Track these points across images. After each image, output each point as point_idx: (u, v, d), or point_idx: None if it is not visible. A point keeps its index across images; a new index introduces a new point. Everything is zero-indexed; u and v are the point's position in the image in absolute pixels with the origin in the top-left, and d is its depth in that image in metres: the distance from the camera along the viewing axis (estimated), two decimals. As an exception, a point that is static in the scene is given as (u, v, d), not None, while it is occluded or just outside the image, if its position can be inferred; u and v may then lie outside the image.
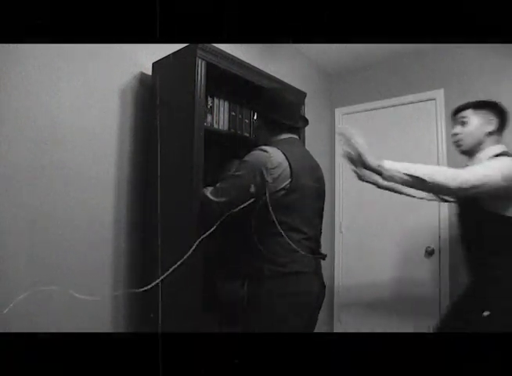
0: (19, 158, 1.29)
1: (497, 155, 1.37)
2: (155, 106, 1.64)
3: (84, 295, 1.45)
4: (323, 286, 1.43)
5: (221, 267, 1.56)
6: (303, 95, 1.45)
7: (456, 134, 1.49)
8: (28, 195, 1.31)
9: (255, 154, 1.30)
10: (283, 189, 1.27)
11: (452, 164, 2.51)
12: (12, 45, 1.27)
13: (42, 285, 1.33)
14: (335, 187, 3.01)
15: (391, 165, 1.22)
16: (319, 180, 1.46)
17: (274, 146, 1.32)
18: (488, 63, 2.41)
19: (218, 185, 1.35)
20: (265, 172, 1.25)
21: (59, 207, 1.39)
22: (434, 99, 2.62)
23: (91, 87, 1.51)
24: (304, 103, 1.48)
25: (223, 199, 1.30)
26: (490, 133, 1.43)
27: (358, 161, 1.19)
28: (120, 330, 1.57)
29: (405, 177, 1.21)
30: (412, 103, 2.73)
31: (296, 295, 1.27)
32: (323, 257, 1.42)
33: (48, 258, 1.35)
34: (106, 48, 1.55)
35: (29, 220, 1.31)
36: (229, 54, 1.55)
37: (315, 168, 1.45)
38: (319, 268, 1.40)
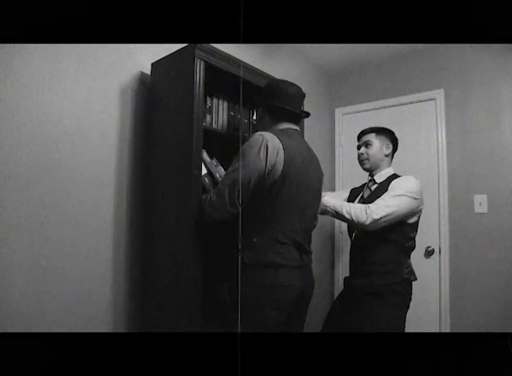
0: (19, 158, 1.29)
1: (390, 176, 1.76)
2: (154, 107, 1.64)
3: (85, 295, 1.46)
4: (311, 282, 1.42)
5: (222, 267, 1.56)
6: (303, 92, 1.46)
7: (362, 154, 1.81)
8: (28, 195, 1.31)
9: (254, 139, 1.29)
10: (274, 177, 1.26)
11: (452, 163, 2.51)
12: (12, 45, 1.27)
13: (42, 285, 1.33)
14: (335, 188, 3.01)
15: (326, 201, 1.60)
16: (315, 174, 1.44)
17: (275, 133, 1.31)
18: (487, 62, 2.41)
19: (219, 184, 1.34)
20: (262, 157, 1.24)
21: (59, 206, 1.39)
22: (434, 99, 2.62)
23: (91, 87, 1.51)
24: (304, 98, 1.48)
25: (223, 199, 1.28)
26: (386, 156, 1.80)
27: None
28: (120, 330, 1.57)
29: (334, 212, 1.61)
30: (412, 103, 2.73)
31: (273, 287, 1.25)
32: (307, 252, 1.39)
33: (47, 257, 1.35)
34: (106, 48, 1.55)
35: (29, 220, 1.31)
36: (228, 54, 1.55)
37: (311, 162, 1.43)
38: (305, 262, 1.37)
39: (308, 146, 1.47)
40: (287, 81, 1.45)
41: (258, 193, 1.28)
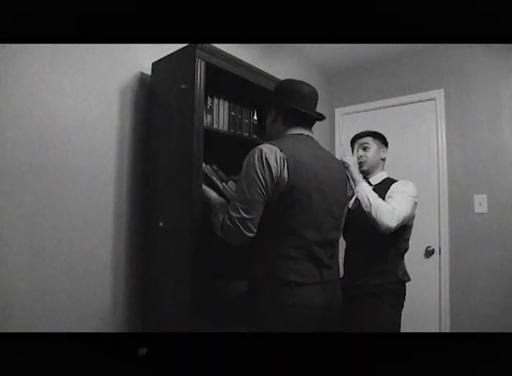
0: (19, 158, 1.29)
1: (385, 179, 1.79)
2: (154, 107, 1.64)
3: (85, 295, 1.46)
4: (336, 299, 1.29)
5: (221, 267, 1.56)
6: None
7: (360, 156, 1.80)
8: (28, 194, 1.31)
9: (251, 157, 1.19)
10: (281, 189, 1.16)
11: (452, 163, 2.51)
12: (12, 45, 1.27)
13: (42, 285, 1.33)
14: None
15: (365, 186, 1.60)
16: (337, 181, 1.32)
17: (277, 142, 1.22)
18: (487, 62, 2.41)
19: (229, 207, 1.21)
20: (263, 172, 1.14)
21: (59, 206, 1.39)
22: (434, 99, 2.62)
23: (92, 87, 1.51)
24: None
25: (239, 215, 1.16)
26: (382, 159, 1.83)
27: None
28: (120, 330, 1.57)
29: (365, 198, 1.56)
30: (412, 103, 2.73)
31: (290, 307, 1.15)
32: (329, 267, 1.25)
33: (47, 257, 1.35)
34: (106, 48, 1.55)
35: (29, 219, 1.31)
36: (229, 54, 1.55)
37: (329, 168, 1.30)
38: (326, 278, 1.23)
39: (323, 151, 1.36)
40: (301, 81, 1.35)
41: (266, 206, 1.18)
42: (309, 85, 1.35)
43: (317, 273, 1.21)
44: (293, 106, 1.29)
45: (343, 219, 1.41)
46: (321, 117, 1.39)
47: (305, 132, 1.33)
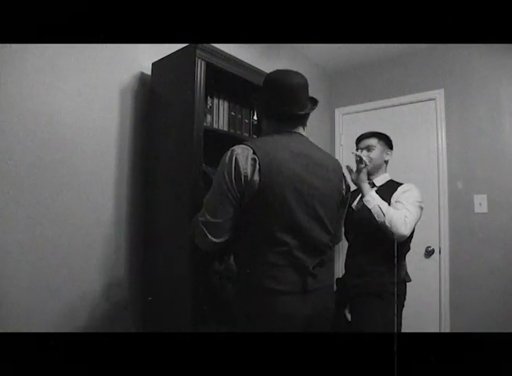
0: (19, 157, 1.29)
1: (388, 181, 1.82)
2: (154, 107, 1.64)
3: (85, 295, 1.46)
4: (323, 308, 1.19)
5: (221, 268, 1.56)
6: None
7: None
8: (28, 194, 1.31)
9: (223, 159, 1.14)
10: (252, 192, 1.09)
11: (452, 163, 2.51)
12: (12, 45, 1.27)
13: (42, 284, 1.33)
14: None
15: (375, 195, 1.63)
16: (326, 180, 1.20)
17: (253, 142, 1.16)
18: (487, 62, 2.42)
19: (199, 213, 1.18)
20: (230, 175, 1.09)
21: (59, 206, 1.39)
22: (434, 99, 2.62)
23: (92, 87, 1.51)
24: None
25: (211, 219, 1.12)
26: (385, 161, 1.84)
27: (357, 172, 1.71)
28: (120, 330, 1.57)
29: (377, 208, 1.58)
30: (412, 103, 2.73)
31: (270, 316, 1.08)
32: (313, 275, 1.13)
33: (48, 257, 1.35)
34: (106, 48, 1.55)
35: (29, 219, 1.31)
36: (229, 54, 1.55)
37: (315, 167, 1.18)
38: (312, 287, 1.13)
39: (313, 149, 1.24)
40: (288, 73, 1.22)
41: (243, 210, 1.13)
42: (296, 76, 1.22)
43: (300, 282, 1.12)
44: (277, 105, 1.20)
45: (336, 222, 1.29)
46: (312, 105, 1.26)
47: (293, 129, 1.23)
